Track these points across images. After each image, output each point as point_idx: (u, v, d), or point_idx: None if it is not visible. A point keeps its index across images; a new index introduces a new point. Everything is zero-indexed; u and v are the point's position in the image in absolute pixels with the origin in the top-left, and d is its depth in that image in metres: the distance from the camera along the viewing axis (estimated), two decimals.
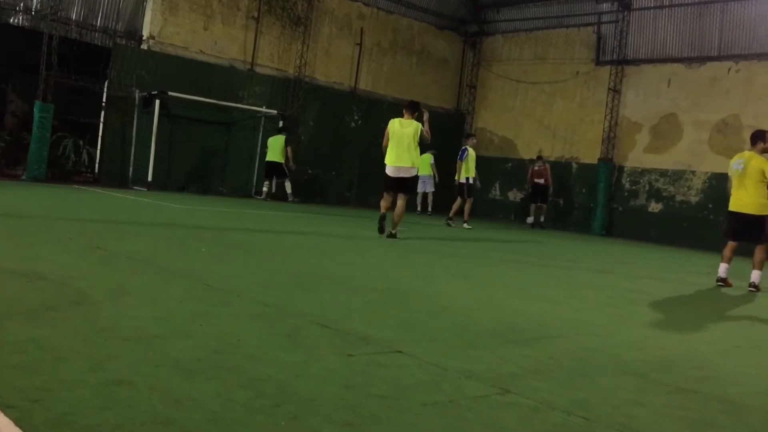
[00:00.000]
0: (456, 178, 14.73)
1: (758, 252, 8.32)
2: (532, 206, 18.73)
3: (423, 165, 16.76)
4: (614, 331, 4.79)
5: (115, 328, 3.28)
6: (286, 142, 16.53)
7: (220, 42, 16.64)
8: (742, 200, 8.35)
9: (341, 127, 18.96)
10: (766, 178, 8.11)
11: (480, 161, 20.67)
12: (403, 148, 9.75)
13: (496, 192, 20.83)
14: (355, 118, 19.23)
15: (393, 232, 9.83)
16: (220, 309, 4.01)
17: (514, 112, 20.57)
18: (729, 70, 16.43)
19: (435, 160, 18.07)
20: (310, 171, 18.52)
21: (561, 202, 19.39)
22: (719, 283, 8.27)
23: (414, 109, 10.05)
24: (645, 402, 3.03)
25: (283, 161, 16.45)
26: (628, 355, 3.99)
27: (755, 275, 8.18)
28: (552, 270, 8.79)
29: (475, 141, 15.39)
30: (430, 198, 18.16)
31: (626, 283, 8.19)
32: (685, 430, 2.73)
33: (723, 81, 16.48)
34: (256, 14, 17.10)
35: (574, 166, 19.17)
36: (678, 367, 3.82)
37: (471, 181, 14.74)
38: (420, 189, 17.77)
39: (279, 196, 16.91)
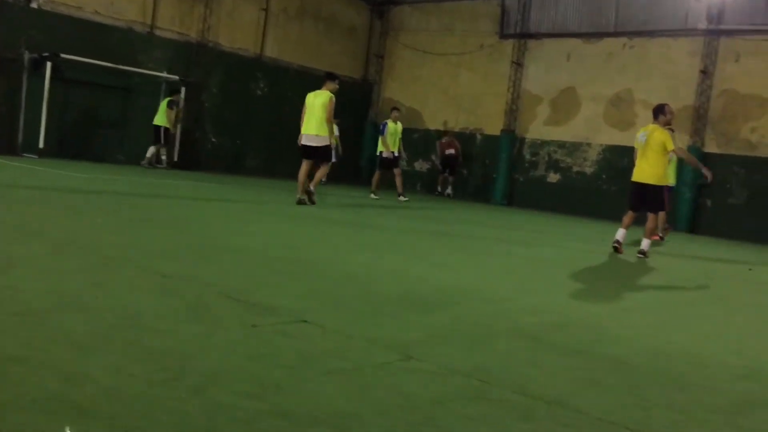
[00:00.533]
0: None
1: (650, 221, 8.79)
2: (441, 177, 19.06)
3: None
4: (513, 297, 4.96)
5: (3, 302, 3.12)
6: (169, 105, 15.82)
7: (117, 2, 15.86)
8: (644, 171, 8.76)
9: (246, 95, 18.55)
10: (666, 150, 8.52)
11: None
12: (311, 117, 10.10)
13: (403, 163, 20.98)
14: (261, 86, 18.86)
15: (301, 198, 10.10)
16: (118, 281, 3.88)
17: (421, 83, 20.73)
18: (624, 46, 17.11)
19: (340, 130, 17.92)
20: (213, 139, 18.08)
21: (465, 172, 19.78)
22: (615, 245, 8.68)
23: (331, 79, 10.32)
24: (540, 363, 3.17)
25: (164, 124, 15.77)
26: (526, 319, 4.15)
27: (645, 243, 8.64)
28: (454, 238, 8.98)
29: (397, 114, 15.07)
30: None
31: (524, 250, 8.48)
32: (576, 388, 2.88)
33: (618, 56, 17.16)
34: None
35: (478, 137, 19.56)
36: (571, 330, 4.00)
37: (396, 154, 14.69)
38: None
39: (181, 164, 16.43)
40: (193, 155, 17.28)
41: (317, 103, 10.28)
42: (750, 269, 9.05)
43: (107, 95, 15.89)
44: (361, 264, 5.64)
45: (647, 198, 8.70)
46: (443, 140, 18.73)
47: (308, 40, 19.90)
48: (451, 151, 18.66)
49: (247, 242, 6.19)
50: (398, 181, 14.77)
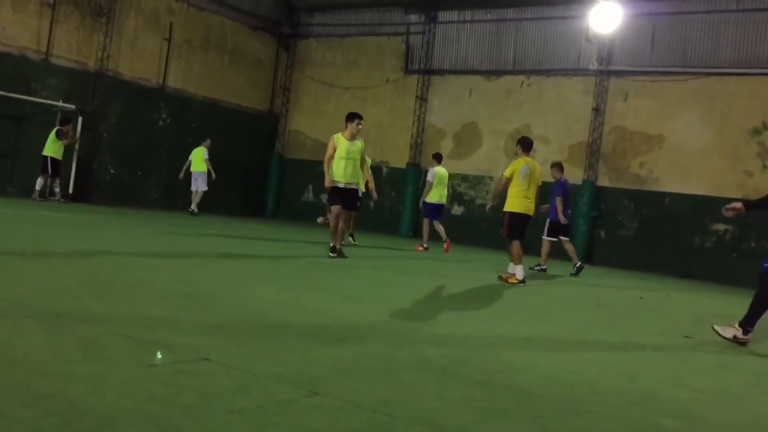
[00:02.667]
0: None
1: (518, 247, 9.08)
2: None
3: (196, 160, 16.09)
4: (417, 329, 5.00)
5: None
6: (57, 135, 15.22)
7: (10, 28, 15.20)
8: (531, 203, 9.10)
9: (148, 126, 18.08)
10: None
11: (293, 164, 20.78)
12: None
13: (309, 195, 20.95)
14: (164, 116, 18.44)
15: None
16: (2, 320, 3.65)
17: (328, 116, 20.82)
18: (522, 83, 17.84)
19: (245, 163, 17.71)
20: (112, 171, 17.48)
21: (371, 205, 19.90)
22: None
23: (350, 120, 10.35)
24: (445, 395, 3.20)
25: (53, 155, 15.14)
26: (430, 351, 4.18)
27: (519, 270, 9.04)
28: (359, 270, 9.00)
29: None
30: (198, 197, 16.31)
31: (429, 282, 8.58)
32: (481, 418, 2.92)
33: (517, 93, 17.86)
34: (51, 1, 15.81)
35: (385, 170, 19.79)
36: (475, 361, 4.07)
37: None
38: (192, 187, 16.28)
39: (76, 196, 15.77)
40: (89, 187, 16.63)
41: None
42: (641, 298, 9.50)
43: None
44: (264, 298, 5.55)
45: (525, 228, 9.10)
46: None
47: (213, 72, 19.67)
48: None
49: (144, 277, 5.98)
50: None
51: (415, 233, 18.73)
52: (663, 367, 4.72)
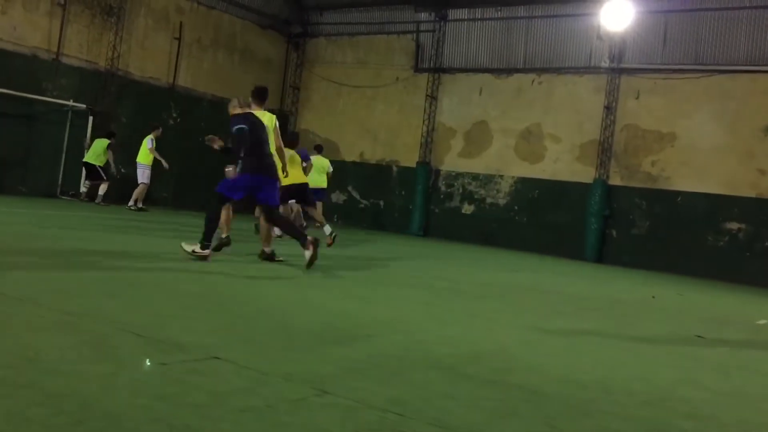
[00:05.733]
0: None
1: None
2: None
3: (141, 150, 15.43)
4: (428, 328, 4.98)
5: None
6: (109, 147, 15.49)
7: (21, 28, 15.27)
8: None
9: (160, 125, 18.10)
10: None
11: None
12: None
13: None
14: (174, 115, 18.49)
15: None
16: (14, 319, 3.66)
17: (337, 115, 20.84)
18: (533, 81, 17.77)
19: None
20: (123, 170, 17.52)
21: (381, 204, 19.92)
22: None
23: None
24: (456, 395, 3.18)
25: (99, 164, 15.34)
26: (440, 350, 4.16)
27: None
28: (370, 269, 8.99)
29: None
30: (139, 191, 15.33)
31: (439, 282, 8.56)
32: (492, 418, 2.90)
33: (527, 92, 17.79)
34: (62, 0, 15.88)
35: (395, 169, 19.78)
36: (485, 360, 4.05)
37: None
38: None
39: (88, 196, 15.83)
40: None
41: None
42: (653, 297, 9.45)
43: (8, 124, 15.19)
44: (274, 296, 5.55)
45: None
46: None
47: (223, 71, 19.70)
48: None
49: (154, 276, 5.99)
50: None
51: (426, 232, 18.71)
52: (675, 366, 4.68)
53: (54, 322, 3.70)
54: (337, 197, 20.63)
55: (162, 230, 11.23)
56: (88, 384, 2.67)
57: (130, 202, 15.05)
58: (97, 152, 15.38)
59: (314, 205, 12.20)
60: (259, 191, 7.70)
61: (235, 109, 8.11)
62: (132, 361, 3.10)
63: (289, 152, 9.31)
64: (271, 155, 7.87)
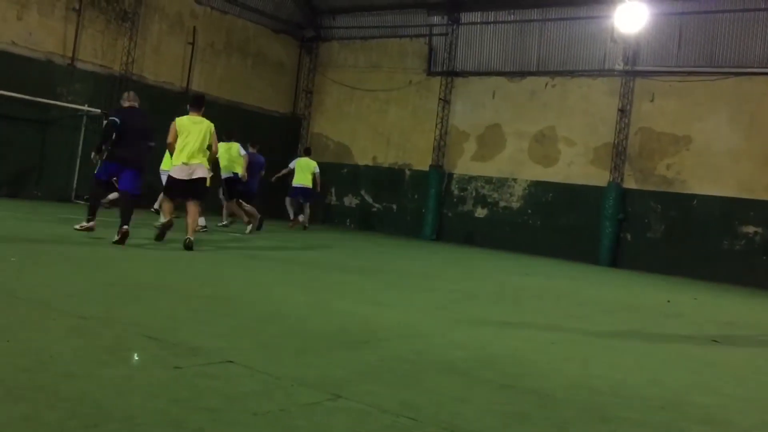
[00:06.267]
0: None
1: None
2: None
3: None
4: (441, 332, 4.97)
5: None
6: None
7: (36, 34, 15.41)
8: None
9: None
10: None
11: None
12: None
13: (332, 197, 20.99)
14: None
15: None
16: (30, 323, 3.69)
17: (350, 118, 20.86)
18: (546, 85, 17.71)
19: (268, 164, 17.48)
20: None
21: (394, 207, 19.92)
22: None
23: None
24: (469, 399, 3.17)
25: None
26: (453, 354, 4.15)
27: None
28: (382, 273, 8.99)
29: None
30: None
31: (452, 285, 8.55)
32: (504, 423, 2.89)
33: (541, 95, 17.73)
34: (77, 6, 16.02)
35: (407, 172, 19.77)
36: (499, 364, 4.03)
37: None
38: None
39: None
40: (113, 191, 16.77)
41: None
42: (668, 301, 9.38)
43: (24, 128, 15.33)
44: (287, 300, 5.56)
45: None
46: None
47: (236, 75, 19.79)
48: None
49: (166, 280, 6.02)
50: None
51: (438, 236, 18.68)
52: (691, 371, 4.64)
53: (68, 326, 3.72)
54: (350, 201, 20.65)
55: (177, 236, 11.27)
56: (102, 387, 2.69)
57: (156, 205, 15.17)
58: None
59: (238, 198, 13.20)
60: (120, 178, 8.74)
61: (123, 102, 9.24)
62: (146, 364, 3.12)
63: (226, 146, 9.85)
64: (139, 148, 8.79)
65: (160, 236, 8.91)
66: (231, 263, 8.09)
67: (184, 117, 9.05)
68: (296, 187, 16.07)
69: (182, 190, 8.97)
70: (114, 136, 8.51)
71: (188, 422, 2.41)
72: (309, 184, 16.02)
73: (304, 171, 16.09)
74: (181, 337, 3.72)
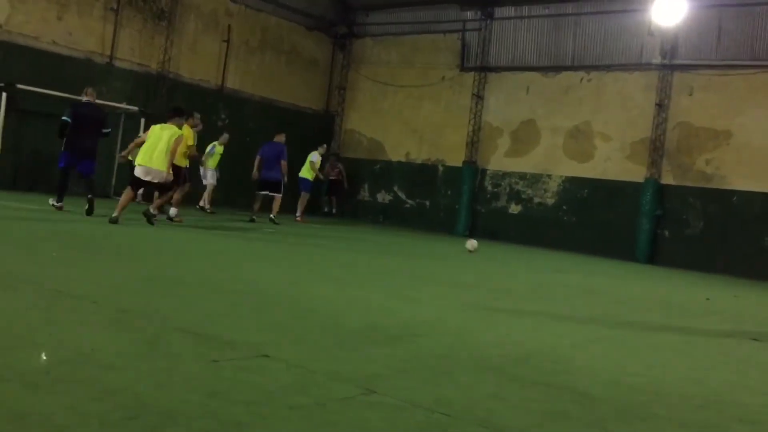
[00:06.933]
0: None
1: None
2: (327, 198, 20.11)
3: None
4: (474, 328, 4.95)
5: None
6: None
7: (76, 33, 15.72)
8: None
9: (208, 126, 18.39)
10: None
11: (349, 162, 20.91)
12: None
13: (365, 193, 21.04)
14: (222, 117, 18.77)
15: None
16: (72, 316, 3.77)
17: (383, 114, 20.88)
18: (581, 79, 17.50)
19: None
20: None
21: (427, 203, 19.89)
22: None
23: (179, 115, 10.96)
24: (504, 396, 3.15)
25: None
26: (488, 351, 4.14)
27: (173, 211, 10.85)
28: (417, 270, 8.98)
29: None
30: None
31: (485, 281, 8.51)
32: (540, 421, 2.86)
33: (576, 89, 17.53)
34: (115, 6, 16.29)
35: (440, 168, 19.72)
36: (534, 361, 4.00)
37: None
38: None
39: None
40: None
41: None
42: (707, 299, 9.21)
43: None
44: (322, 296, 5.59)
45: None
46: (329, 164, 19.38)
47: (270, 72, 19.94)
48: (333, 176, 19.33)
49: (202, 274, 6.09)
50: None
51: (472, 232, 18.60)
52: (731, 370, 4.56)
53: (109, 320, 3.80)
54: (383, 197, 20.68)
55: (216, 231, 11.43)
56: (142, 380, 2.73)
57: (201, 202, 15.54)
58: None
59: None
60: (79, 165, 10.52)
61: (83, 97, 11.03)
62: (184, 358, 3.16)
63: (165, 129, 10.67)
64: (92, 139, 10.59)
65: (150, 220, 10.14)
66: (256, 256, 8.16)
67: (159, 125, 10.53)
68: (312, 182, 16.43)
69: (144, 186, 10.67)
70: (69, 129, 10.31)
71: (226, 415, 2.44)
72: (305, 174, 16.07)
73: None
74: (218, 331, 3.76)
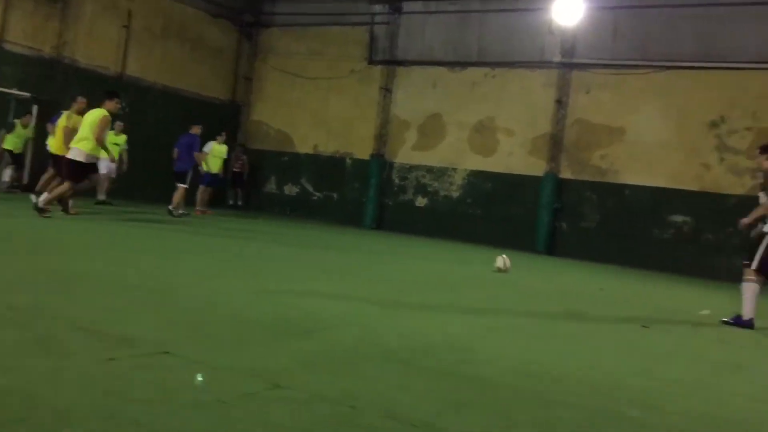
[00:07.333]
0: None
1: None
2: (231, 191, 19.94)
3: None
4: (381, 320, 4.99)
5: None
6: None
7: None
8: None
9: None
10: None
11: (256, 154, 20.60)
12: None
13: (272, 185, 20.79)
14: (123, 105, 18.03)
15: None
16: None
17: (291, 106, 20.65)
18: (486, 75, 17.90)
19: None
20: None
21: (335, 196, 19.87)
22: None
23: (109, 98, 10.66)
24: (409, 387, 3.19)
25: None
26: (394, 343, 4.17)
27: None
28: (325, 263, 8.96)
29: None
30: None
31: (393, 273, 8.59)
32: (444, 410, 2.91)
33: (481, 85, 17.91)
34: None
35: (348, 161, 19.73)
36: (439, 352, 4.07)
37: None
38: None
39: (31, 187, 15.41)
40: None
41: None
42: (601, 289, 9.64)
43: None
44: (227, 290, 5.48)
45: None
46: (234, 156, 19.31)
47: (173, 60, 19.32)
48: (236, 168, 19.21)
49: (101, 270, 5.85)
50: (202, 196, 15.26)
51: (379, 225, 18.73)
52: (623, 356, 4.79)
53: None
54: (290, 189, 20.50)
55: (99, 217, 10.99)
56: (33, 380, 2.60)
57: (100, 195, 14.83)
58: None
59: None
60: None
61: None
62: (79, 356, 3.02)
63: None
64: None
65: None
66: (159, 250, 7.92)
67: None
68: (213, 174, 15.66)
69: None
70: None
71: (123, 414, 2.35)
72: (215, 169, 15.65)
73: (218, 157, 15.71)
74: (115, 328, 3.62)
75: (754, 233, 6.97)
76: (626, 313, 7.45)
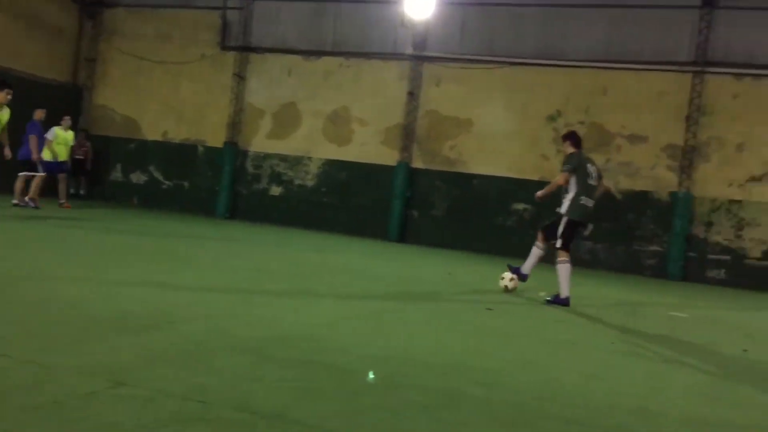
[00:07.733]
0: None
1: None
2: (75, 179, 18.64)
3: None
4: (232, 312, 4.90)
5: None
6: None
7: None
8: None
9: None
10: None
11: (100, 140, 19.50)
12: None
13: (117, 174, 19.77)
14: None
15: None
16: None
17: (139, 91, 19.68)
18: (341, 65, 17.98)
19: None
20: None
21: (186, 185, 19.23)
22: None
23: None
24: (261, 378, 3.17)
25: None
26: (245, 333, 4.12)
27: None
28: (173, 253, 8.67)
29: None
30: None
31: (245, 263, 8.46)
32: (296, 399, 2.92)
33: (336, 75, 17.97)
34: None
35: (200, 148, 19.14)
36: (292, 342, 4.07)
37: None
38: None
39: None
40: None
41: None
42: (449, 273, 10.03)
43: None
44: (64, 284, 5.16)
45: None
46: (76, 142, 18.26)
47: (4, 38, 17.82)
48: (79, 155, 18.30)
49: None
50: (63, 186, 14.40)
51: (233, 214, 18.36)
52: (469, 338, 5.01)
53: None
54: (138, 177, 19.59)
55: None
56: None
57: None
58: None
59: None
60: None
61: None
62: None
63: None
64: None
65: None
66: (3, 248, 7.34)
67: None
68: (52, 163, 14.35)
69: None
70: None
71: None
72: (64, 157, 14.61)
73: (63, 144, 14.53)
74: None
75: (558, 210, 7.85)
76: (472, 296, 7.81)
